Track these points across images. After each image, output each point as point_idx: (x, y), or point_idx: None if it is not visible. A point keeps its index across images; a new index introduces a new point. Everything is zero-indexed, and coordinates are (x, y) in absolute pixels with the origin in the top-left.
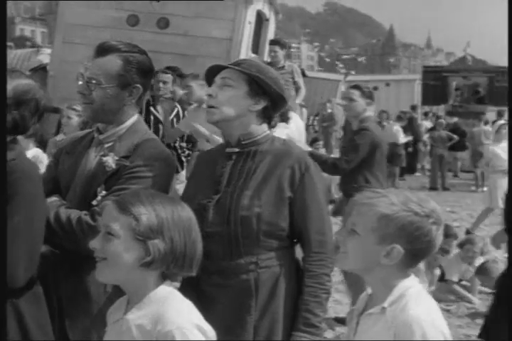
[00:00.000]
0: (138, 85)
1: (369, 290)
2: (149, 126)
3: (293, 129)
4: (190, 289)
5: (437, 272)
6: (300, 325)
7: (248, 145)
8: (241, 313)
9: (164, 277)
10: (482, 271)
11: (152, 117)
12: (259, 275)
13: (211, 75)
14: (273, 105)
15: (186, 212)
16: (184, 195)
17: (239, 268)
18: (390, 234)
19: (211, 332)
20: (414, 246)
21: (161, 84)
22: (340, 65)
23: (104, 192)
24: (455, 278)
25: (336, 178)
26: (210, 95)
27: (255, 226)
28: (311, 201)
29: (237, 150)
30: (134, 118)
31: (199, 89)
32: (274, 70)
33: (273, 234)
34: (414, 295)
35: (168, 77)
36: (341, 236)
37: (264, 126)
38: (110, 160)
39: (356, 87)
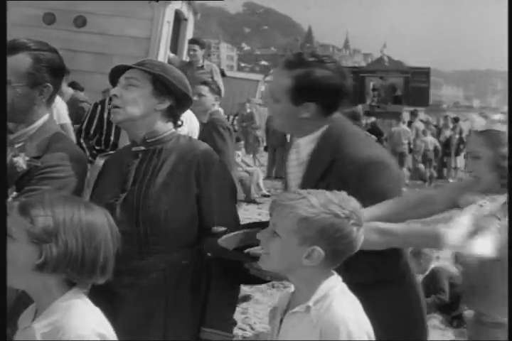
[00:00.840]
0: (48, 84)
1: (292, 288)
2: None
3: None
4: (101, 292)
5: None
6: (209, 320)
7: (154, 143)
8: (152, 312)
9: (71, 284)
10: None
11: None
12: (169, 274)
13: (116, 76)
14: (178, 104)
15: (91, 216)
16: (92, 195)
17: (149, 267)
18: (310, 237)
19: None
20: (335, 248)
21: None
22: (260, 65)
23: (15, 193)
24: None
25: (257, 178)
26: (115, 95)
27: (163, 223)
28: (218, 197)
29: (142, 148)
30: (44, 117)
31: None
32: (178, 70)
33: (182, 232)
34: (338, 294)
35: None
36: (263, 237)
37: (170, 125)
38: (21, 161)
39: (205, 83)
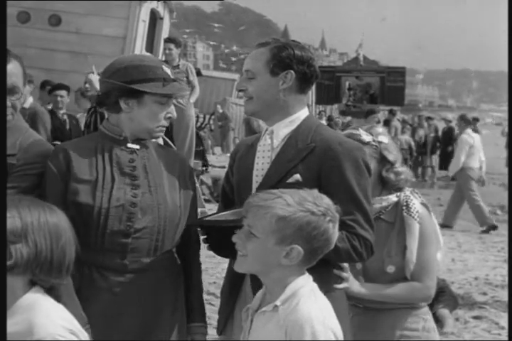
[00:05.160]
0: None
1: (264, 289)
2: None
3: None
4: (93, 295)
5: None
6: (198, 316)
7: (144, 143)
8: (159, 311)
9: (33, 283)
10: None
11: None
12: (172, 271)
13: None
14: None
15: (56, 218)
16: (72, 191)
17: (156, 264)
18: (289, 235)
19: (83, 334)
20: (313, 245)
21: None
22: (237, 64)
23: None
24: None
25: None
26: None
27: (178, 220)
28: (193, 199)
29: (138, 147)
30: None
31: None
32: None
33: (182, 228)
34: (307, 294)
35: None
36: (240, 240)
37: None
38: None
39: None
